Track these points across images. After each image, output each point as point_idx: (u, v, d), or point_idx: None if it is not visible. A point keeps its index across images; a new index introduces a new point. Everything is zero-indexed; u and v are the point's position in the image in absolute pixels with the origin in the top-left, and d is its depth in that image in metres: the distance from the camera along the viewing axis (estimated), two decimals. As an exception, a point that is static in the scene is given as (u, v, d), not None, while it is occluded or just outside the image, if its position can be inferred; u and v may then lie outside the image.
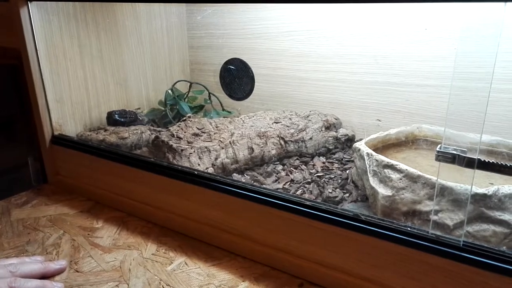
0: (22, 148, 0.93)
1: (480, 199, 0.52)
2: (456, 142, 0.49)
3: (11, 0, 0.79)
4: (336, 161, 0.84)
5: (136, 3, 1.01)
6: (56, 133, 0.89)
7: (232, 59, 1.06)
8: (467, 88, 0.49)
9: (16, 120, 0.92)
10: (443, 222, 0.53)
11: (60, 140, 0.88)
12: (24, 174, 0.93)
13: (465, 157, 0.46)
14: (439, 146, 0.48)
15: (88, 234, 0.73)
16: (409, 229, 0.51)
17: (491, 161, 0.46)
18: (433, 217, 0.53)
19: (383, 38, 0.87)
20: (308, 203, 0.59)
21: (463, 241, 0.48)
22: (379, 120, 0.92)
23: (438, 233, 0.50)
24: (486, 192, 0.52)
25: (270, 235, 0.64)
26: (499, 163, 0.46)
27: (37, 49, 0.82)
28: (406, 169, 0.58)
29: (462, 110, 0.49)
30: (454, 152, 0.47)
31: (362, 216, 0.54)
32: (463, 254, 0.48)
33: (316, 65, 0.97)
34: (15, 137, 0.95)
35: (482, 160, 0.46)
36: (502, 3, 0.44)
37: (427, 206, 0.55)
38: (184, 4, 1.14)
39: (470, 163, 0.46)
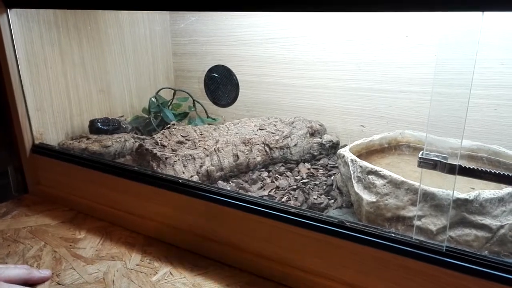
0: (2, 157, 0.91)
1: (462, 204, 0.52)
2: (438, 147, 0.50)
3: (-11, 7, 0.78)
4: (321, 167, 0.84)
5: (119, 10, 1.00)
6: (36, 142, 0.87)
7: (216, 66, 1.06)
8: (448, 94, 0.50)
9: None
10: (426, 227, 0.53)
11: (41, 149, 0.86)
12: (4, 184, 0.91)
13: (446, 163, 0.47)
14: (421, 152, 0.49)
15: (70, 245, 0.71)
16: (393, 235, 0.52)
17: (471, 167, 0.47)
18: (417, 223, 0.53)
19: (366, 45, 0.88)
20: (293, 210, 0.59)
21: (446, 246, 0.48)
22: (363, 126, 0.93)
23: (422, 238, 0.51)
24: (467, 197, 0.52)
25: (255, 243, 0.63)
26: (480, 169, 0.47)
27: (17, 57, 0.81)
28: (390, 175, 0.58)
29: (443, 116, 0.50)
30: (436, 159, 0.47)
31: (347, 223, 0.55)
32: (446, 259, 0.48)
33: (301, 71, 0.97)
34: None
35: (463, 166, 0.46)
36: (480, 13, 0.45)
37: (410, 211, 0.56)
38: (167, 11, 1.13)
39: (451, 169, 0.47)
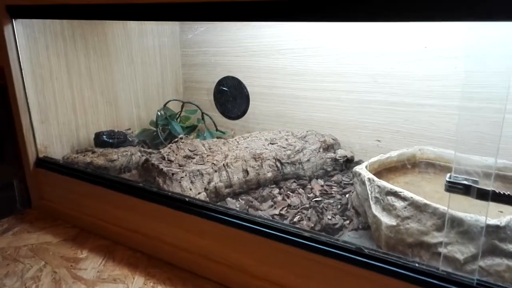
0: (8, 169, 0.89)
1: (492, 230, 0.48)
2: (466, 167, 0.45)
3: (-6, 17, 0.76)
4: (335, 184, 0.80)
5: (127, 21, 0.98)
6: (41, 155, 0.84)
7: (226, 77, 1.03)
8: (478, 109, 0.46)
9: (3, 140, 0.88)
10: (453, 256, 0.49)
11: (45, 163, 0.84)
12: (10, 197, 0.89)
13: (478, 188, 0.42)
14: (448, 175, 0.45)
15: (71, 266, 0.68)
16: (417, 265, 0.47)
17: (507, 193, 0.42)
18: (443, 251, 0.49)
19: (381, 56, 0.84)
20: (306, 234, 0.55)
21: (477, 280, 0.44)
22: (379, 141, 0.88)
23: (449, 270, 0.46)
24: (498, 223, 0.48)
25: (264, 267, 0.59)
26: (516, 195, 0.42)
27: (22, 68, 0.79)
28: (411, 197, 0.54)
29: (472, 133, 0.46)
30: (466, 183, 0.43)
31: (365, 250, 0.50)
32: (477, 293, 0.44)
33: (313, 83, 0.94)
34: (1, 158, 0.90)
35: (497, 191, 0.42)
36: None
37: (435, 237, 0.51)
38: (177, 22, 1.11)
39: (483, 195, 0.42)
